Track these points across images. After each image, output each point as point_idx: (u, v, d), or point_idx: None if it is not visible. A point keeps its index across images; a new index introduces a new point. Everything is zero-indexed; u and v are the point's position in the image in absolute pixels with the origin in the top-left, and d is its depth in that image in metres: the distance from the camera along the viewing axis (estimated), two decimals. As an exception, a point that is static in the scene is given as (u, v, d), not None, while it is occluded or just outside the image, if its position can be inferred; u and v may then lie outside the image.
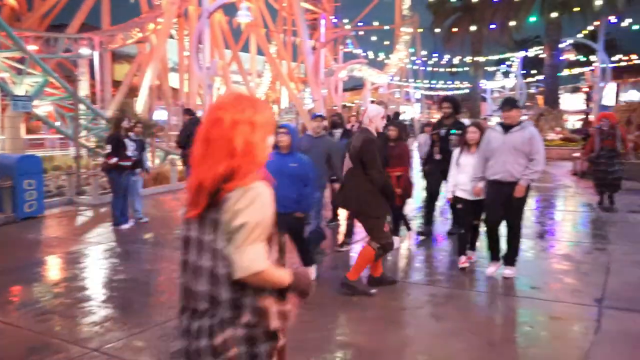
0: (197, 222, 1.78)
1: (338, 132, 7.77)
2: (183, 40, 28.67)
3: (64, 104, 15.59)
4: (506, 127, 5.12)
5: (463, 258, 5.56)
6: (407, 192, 6.34)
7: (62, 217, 9.00)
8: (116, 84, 29.27)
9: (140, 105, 22.19)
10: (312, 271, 5.04)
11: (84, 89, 21.75)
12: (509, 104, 5.22)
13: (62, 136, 18.10)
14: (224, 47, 32.10)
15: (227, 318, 1.74)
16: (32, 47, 17.71)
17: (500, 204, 5.14)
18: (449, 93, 54.16)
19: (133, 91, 27.64)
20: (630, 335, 3.86)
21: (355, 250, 6.25)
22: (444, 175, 6.31)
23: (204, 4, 13.00)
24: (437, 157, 6.81)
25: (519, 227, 5.25)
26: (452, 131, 6.50)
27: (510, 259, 5.30)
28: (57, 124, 15.56)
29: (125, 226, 7.83)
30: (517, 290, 4.94)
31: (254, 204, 1.69)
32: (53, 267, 6.13)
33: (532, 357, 3.55)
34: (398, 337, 3.93)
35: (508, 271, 5.26)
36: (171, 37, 28.26)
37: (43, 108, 16.48)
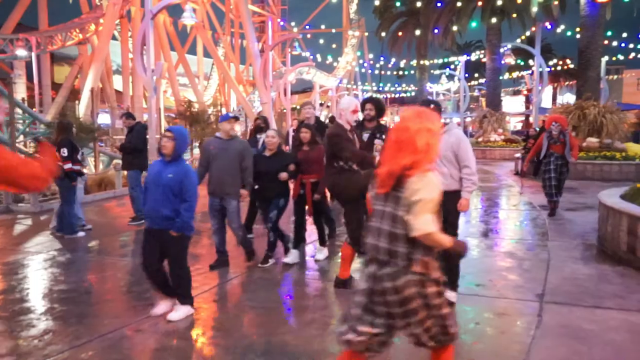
0: (383, 197, 2.58)
1: (262, 137, 7.25)
2: (127, 42, 27.95)
3: (-1, 107, 14.84)
4: None
5: None
6: (324, 201, 6.09)
7: (-3, 227, 8.56)
8: (56, 86, 28.19)
9: (82, 108, 21.41)
10: None
11: (21, 92, 20.80)
12: (426, 104, 4.48)
13: (-3, 141, 17.20)
14: (170, 49, 31.50)
15: (403, 267, 2.48)
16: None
17: None
18: (396, 96, 55.29)
19: (75, 94, 26.69)
20: (569, 328, 4.02)
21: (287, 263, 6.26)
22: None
23: (147, 5, 12.68)
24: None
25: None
26: (378, 136, 5.83)
27: (451, 281, 4.45)
28: (-8, 128, 14.79)
29: (81, 234, 7.54)
30: (463, 287, 5.05)
31: (428, 186, 2.45)
32: (-12, 280, 5.81)
33: (477, 353, 3.64)
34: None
35: (450, 293, 4.41)
36: (114, 38, 27.47)
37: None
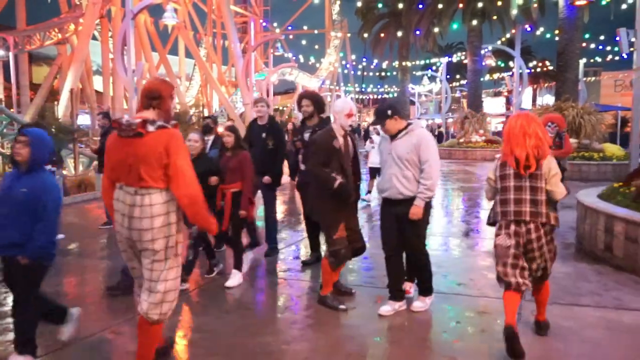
0: (520, 176, 3.63)
1: (210, 140, 6.67)
2: (107, 42, 27.65)
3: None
4: (393, 134, 4.28)
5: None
6: (245, 215, 5.19)
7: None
8: (35, 87, 27.78)
9: (61, 109, 21.14)
10: None
11: (-2, 92, 20.46)
12: (379, 117, 4.29)
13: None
14: (151, 50, 31.25)
15: (543, 223, 3.59)
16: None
17: (393, 229, 4.34)
18: (379, 97, 55.53)
19: (54, 95, 26.33)
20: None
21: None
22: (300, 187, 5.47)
23: (127, 5, 12.57)
24: (303, 167, 5.65)
25: (420, 256, 4.38)
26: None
27: (422, 289, 4.52)
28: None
29: (60, 236, 7.46)
30: (445, 287, 5.10)
31: (553, 165, 3.64)
32: (-36, 284, 5.70)
33: (458, 351, 3.68)
34: (331, 339, 3.96)
35: (418, 303, 4.45)
36: (94, 38, 27.16)
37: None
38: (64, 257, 6.66)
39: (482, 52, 27.87)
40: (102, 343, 3.86)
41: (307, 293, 5.01)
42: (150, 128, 3.00)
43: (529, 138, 3.55)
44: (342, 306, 4.45)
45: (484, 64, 28.64)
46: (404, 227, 4.24)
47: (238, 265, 5.23)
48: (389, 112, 4.18)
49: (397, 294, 4.43)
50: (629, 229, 5.49)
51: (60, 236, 7.71)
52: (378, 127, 9.24)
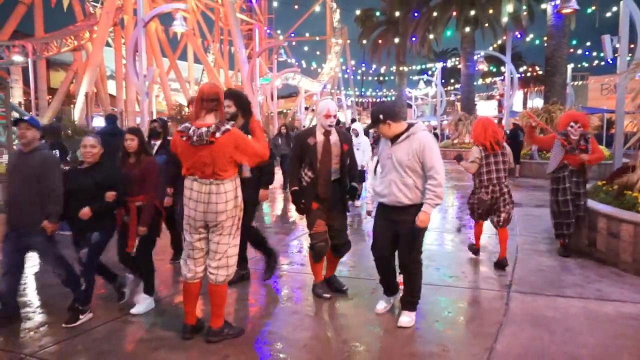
0: (493, 155, 5.41)
1: (157, 144, 5.67)
2: (120, 49, 27.71)
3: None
4: (393, 137, 3.86)
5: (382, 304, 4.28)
6: (145, 231, 4.17)
7: (-5, 226, 8.43)
8: (52, 91, 27.84)
9: (77, 112, 21.21)
10: None
11: (17, 97, 20.51)
12: (372, 122, 3.95)
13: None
14: (162, 56, 31.31)
15: (505, 185, 5.46)
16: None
17: (389, 234, 3.96)
18: (378, 100, 55.51)
19: (70, 98, 26.41)
20: (533, 315, 4.11)
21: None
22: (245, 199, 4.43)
23: (139, 14, 12.61)
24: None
25: (414, 265, 3.95)
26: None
27: (408, 302, 4.01)
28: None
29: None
30: (437, 279, 5.13)
31: (509, 149, 5.67)
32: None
33: (449, 339, 3.70)
34: (329, 328, 3.99)
35: (405, 318, 3.94)
36: (108, 45, 27.22)
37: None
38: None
39: (475, 57, 27.78)
40: (112, 332, 3.90)
41: (309, 285, 5.03)
42: (218, 135, 3.38)
43: (487, 132, 5.41)
44: (325, 294, 4.52)
45: (476, 69, 28.52)
46: (400, 234, 3.88)
47: (149, 289, 4.34)
48: (381, 116, 3.82)
49: (389, 289, 4.24)
50: (611, 225, 5.50)
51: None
52: (358, 129, 9.17)
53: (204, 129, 3.39)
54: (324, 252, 4.45)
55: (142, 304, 4.28)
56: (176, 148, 3.56)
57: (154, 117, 27.78)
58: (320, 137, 4.31)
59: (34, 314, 4.29)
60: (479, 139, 5.49)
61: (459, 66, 32.06)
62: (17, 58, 19.61)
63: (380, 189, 3.94)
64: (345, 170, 4.45)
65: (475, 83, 32.54)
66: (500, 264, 5.48)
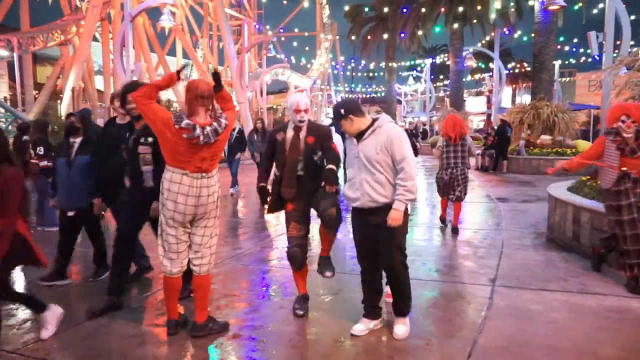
0: (453, 145, 6.81)
1: (77, 142, 4.90)
2: (108, 43, 27.46)
3: (-20, 106, 14.45)
4: (358, 135, 3.58)
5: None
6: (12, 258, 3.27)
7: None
8: (39, 86, 27.54)
9: (64, 107, 21.00)
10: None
11: (3, 92, 20.26)
12: (334, 117, 3.65)
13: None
14: (150, 51, 31.06)
15: (467, 168, 6.90)
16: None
17: (369, 241, 3.64)
18: (367, 96, 55.58)
19: (57, 94, 26.14)
20: (517, 309, 4.15)
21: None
22: (145, 209, 4.07)
23: (126, 8, 12.50)
24: (127, 183, 4.20)
25: (400, 270, 3.60)
26: (144, 140, 4.00)
27: (400, 310, 3.73)
28: (-26, 127, 14.40)
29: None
30: (423, 274, 5.16)
31: (469, 140, 7.06)
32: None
33: (432, 333, 3.73)
34: (316, 323, 4.00)
35: (401, 328, 3.67)
36: (95, 39, 26.95)
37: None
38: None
39: (464, 54, 28.01)
40: (99, 327, 3.88)
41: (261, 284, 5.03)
42: (221, 132, 3.49)
43: (455, 126, 6.80)
44: (299, 312, 4.08)
45: (465, 65, 28.74)
46: (379, 238, 3.55)
47: (36, 307, 3.70)
48: (342, 111, 3.53)
49: (372, 311, 3.81)
50: (594, 219, 5.57)
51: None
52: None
53: (209, 128, 3.40)
54: (297, 258, 3.97)
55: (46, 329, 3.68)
56: (168, 142, 3.38)
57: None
58: (290, 133, 3.99)
59: (17, 310, 4.25)
60: (447, 131, 6.82)
61: (448, 62, 32.16)
62: (3, 52, 19.39)
63: (351, 192, 3.60)
64: (312, 166, 3.94)
65: (464, 79, 32.70)
66: (454, 230, 7.05)
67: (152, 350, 3.50)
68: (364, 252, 3.73)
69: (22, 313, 4.19)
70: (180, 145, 3.38)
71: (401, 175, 3.41)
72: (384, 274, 3.75)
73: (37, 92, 25.87)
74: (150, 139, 3.93)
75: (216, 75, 3.64)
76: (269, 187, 4.09)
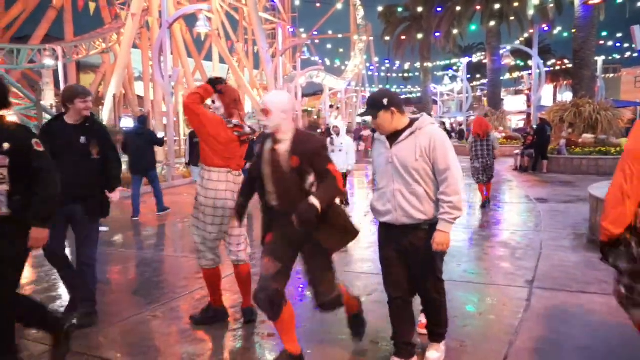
0: (480, 141, 8.91)
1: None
2: (147, 50, 28.22)
3: (29, 113, 15.11)
4: (392, 136, 2.97)
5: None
6: None
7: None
8: (82, 93, 28.51)
9: (106, 113, 21.72)
10: None
11: (49, 99, 21.11)
12: (370, 106, 2.96)
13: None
14: (188, 56, 31.75)
15: (489, 159, 8.97)
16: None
17: (400, 264, 3.03)
18: (403, 97, 55.15)
19: (99, 100, 27.03)
20: (554, 310, 4.08)
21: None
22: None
23: (163, 16, 12.86)
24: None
25: (436, 296, 3.11)
26: None
27: (435, 334, 3.27)
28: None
29: (104, 229, 7.72)
30: (458, 275, 5.12)
31: (493, 136, 9.21)
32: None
33: (467, 334, 3.70)
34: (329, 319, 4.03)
35: (434, 355, 3.20)
36: (135, 47, 27.78)
37: (8, 118, 15.93)
38: (108, 248, 6.92)
39: (501, 52, 27.41)
40: (139, 324, 4.03)
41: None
42: (252, 130, 3.89)
43: (482, 126, 8.73)
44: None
45: (502, 63, 28.15)
46: (413, 261, 2.99)
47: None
48: (385, 101, 2.89)
49: (403, 349, 3.11)
50: (637, 219, 5.39)
51: (103, 229, 8.00)
52: (339, 126, 8.90)
53: (247, 129, 3.81)
54: (265, 307, 2.99)
55: None
56: (219, 142, 3.71)
57: (180, 116, 28.28)
58: (267, 145, 3.11)
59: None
60: (476, 130, 8.91)
61: (485, 61, 31.62)
62: (48, 62, 20.18)
63: (381, 204, 3.01)
64: (294, 196, 2.92)
65: (501, 78, 32.07)
66: (483, 204, 9.05)
67: (191, 348, 3.61)
68: (394, 276, 3.06)
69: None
70: (232, 142, 3.75)
71: (444, 188, 2.83)
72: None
73: (80, 98, 26.85)
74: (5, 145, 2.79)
75: (212, 81, 3.88)
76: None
